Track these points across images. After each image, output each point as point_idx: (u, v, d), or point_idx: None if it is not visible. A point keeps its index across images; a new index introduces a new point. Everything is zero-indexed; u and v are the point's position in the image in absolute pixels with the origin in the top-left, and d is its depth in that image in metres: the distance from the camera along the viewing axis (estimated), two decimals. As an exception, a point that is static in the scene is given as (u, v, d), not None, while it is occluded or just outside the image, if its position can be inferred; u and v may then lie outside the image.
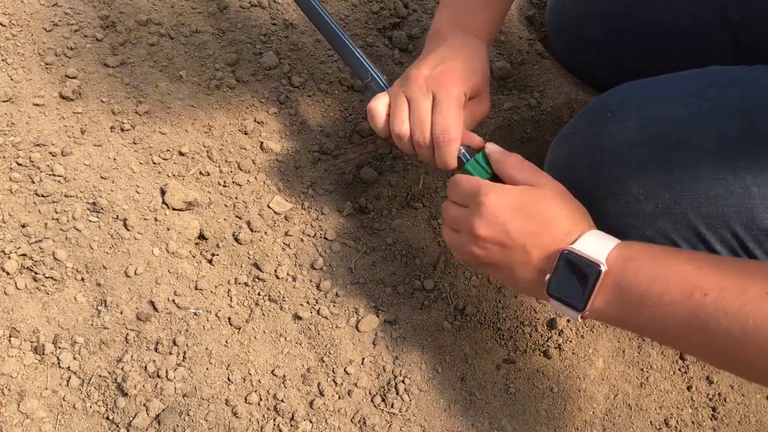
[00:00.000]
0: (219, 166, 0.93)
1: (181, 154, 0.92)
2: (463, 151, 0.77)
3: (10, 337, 0.75)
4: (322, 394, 0.78)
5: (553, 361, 0.86)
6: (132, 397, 0.74)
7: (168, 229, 0.85)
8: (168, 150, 0.92)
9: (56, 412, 0.73)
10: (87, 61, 0.98)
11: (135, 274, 0.82)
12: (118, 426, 0.73)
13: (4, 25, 0.97)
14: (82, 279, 0.80)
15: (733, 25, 0.94)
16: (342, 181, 0.96)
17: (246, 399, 0.77)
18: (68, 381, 0.75)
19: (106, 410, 0.74)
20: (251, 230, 0.88)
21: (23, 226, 0.82)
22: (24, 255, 0.80)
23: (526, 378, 0.84)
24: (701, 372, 0.87)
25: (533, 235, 0.67)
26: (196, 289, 0.82)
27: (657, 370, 0.86)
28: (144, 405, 0.74)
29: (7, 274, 0.78)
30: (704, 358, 0.63)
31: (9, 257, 0.79)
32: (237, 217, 0.89)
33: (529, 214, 0.68)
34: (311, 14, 0.93)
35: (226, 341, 0.80)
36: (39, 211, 0.84)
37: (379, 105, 0.79)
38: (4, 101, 0.91)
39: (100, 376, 0.75)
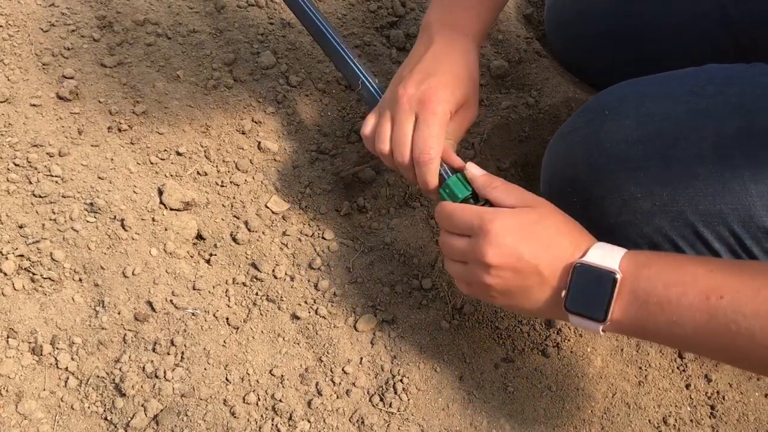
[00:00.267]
0: (216, 166, 0.93)
1: (179, 154, 0.92)
2: (445, 168, 0.77)
3: (7, 338, 0.75)
4: (320, 393, 0.78)
5: (552, 360, 0.86)
6: (130, 397, 0.74)
7: (166, 230, 0.85)
8: (165, 150, 0.92)
9: (54, 413, 0.73)
10: (84, 61, 0.98)
11: (133, 274, 0.82)
12: (116, 426, 0.73)
13: (0, 26, 0.97)
14: (80, 279, 0.80)
15: (733, 25, 0.94)
16: (340, 180, 0.95)
17: (244, 399, 0.77)
18: (66, 381, 0.75)
19: (104, 411, 0.74)
20: (249, 230, 0.88)
21: (21, 227, 0.82)
22: (21, 256, 0.80)
23: (524, 377, 0.84)
24: (700, 370, 0.87)
25: (544, 254, 0.66)
26: (193, 289, 0.82)
27: (655, 369, 0.86)
28: (142, 405, 0.74)
29: (5, 274, 0.78)
30: (727, 359, 0.63)
31: (6, 258, 0.79)
32: (235, 217, 0.89)
33: (536, 234, 0.67)
34: (303, 18, 0.93)
35: (224, 341, 0.80)
36: (36, 212, 0.83)
37: (368, 128, 0.81)
38: (1, 102, 0.90)
39: (98, 376, 0.75)
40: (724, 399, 0.85)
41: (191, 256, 0.86)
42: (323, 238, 0.89)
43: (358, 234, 0.90)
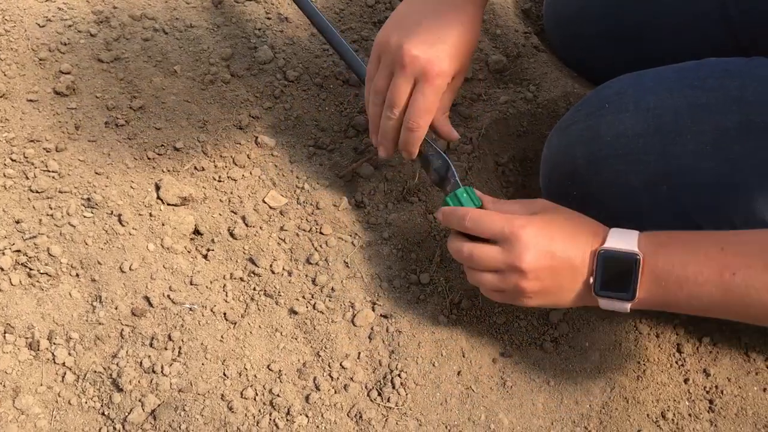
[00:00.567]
0: (214, 161, 0.92)
1: (176, 149, 0.92)
2: (430, 143, 0.81)
3: (4, 333, 0.75)
4: (318, 388, 0.78)
5: (550, 355, 0.86)
6: (127, 392, 0.74)
7: (163, 225, 0.85)
8: (162, 145, 0.92)
9: (51, 408, 0.73)
10: (81, 56, 0.97)
11: (130, 269, 0.81)
12: (113, 421, 0.73)
13: (-3, 21, 0.97)
14: (77, 275, 0.80)
15: (733, 24, 0.93)
16: (340, 180, 0.95)
17: (242, 394, 0.77)
18: (63, 377, 0.74)
19: (102, 406, 0.74)
20: (246, 225, 0.88)
21: (17, 222, 0.81)
22: (18, 251, 0.80)
23: (522, 371, 0.84)
24: (698, 365, 0.87)
25: (572, 248, 0.70)
26: (191, 284, 0.82)
27: (654, 363, 0.86)
28: (139, 400, 0.74)
29: (2, 270, 0.78)
30: (743, 321, 0.69)
31: (3, 253, 0.79)
32: (232, 212, 0.89)
33: (560, 231, 0.71)
34: (310, 14, 0.94)
35: (222, 336, 0.80)
36: (33, 207, 0.83)
37: (369, 73, 0.82)
38: (-2, 97, 0.90)
39: (96, 371, 0.75)
40: (722, 393, 0.85)
41: (188, 252, 0.85)
42: (321, 233, 0.89)
43: (356, 229, 0.90)
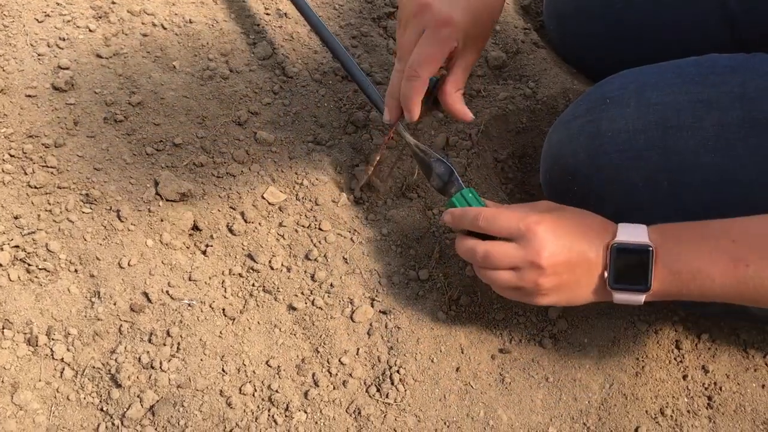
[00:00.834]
0: (213, 157, 0.92)
1: (175, 145, 0.92)
2: (427, 152, 0.82)
3: (3, 329, 0.75)
4: (316, 384, 0.78)
5: (548, 351, 0.86)
6: (126, 388, 0.74)
7: (162, 221, 0.85)
8: (161, 141, 0.92)
9: (50, 404, 0.73)
10: (80, 51, 0.97)
11: (128, 265, 0.81)
12: (112, 417, 0.73)
13: (-5, 16, 0.97)
14: (76, 270, 0.80)
15: (734, 21, 0.93)
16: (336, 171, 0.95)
17: (240, 390, 0.77)
18: (62, 372, 0.74)
19: (100, 401, 0.74)
20: (245, 221, 0.87)
21: (16, 218, 0.81)
22: (17, 247, 0.80)
23: (521, 368, 0.84)
24: (697, 361, 0.87)
25: (586, 242, 0.70)
26: (190, 280, 0.82)
27: (652, 360, 0.86)
28: (138, 396, 0.74)
29: (0, 265, 0.78)
30: (758, 306, 0.70)
31: (2, 249, 0.79)
32: (231, 208, 0.89)
33: (572, 227, 0.71)
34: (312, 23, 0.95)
35: (221, 332, 0.79)
36: (32, 203, 0.83)
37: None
38: (-4, 92, 0.90)
39: (94, 367, 0.75)
40: (721, 390, 0.85)
41: (187, 247, 0.85)
42: (320, 229, 0.89)
43: (355, 225, 0.90)
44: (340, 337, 0.82)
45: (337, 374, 0.79)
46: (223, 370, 0.77)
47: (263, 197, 0.90)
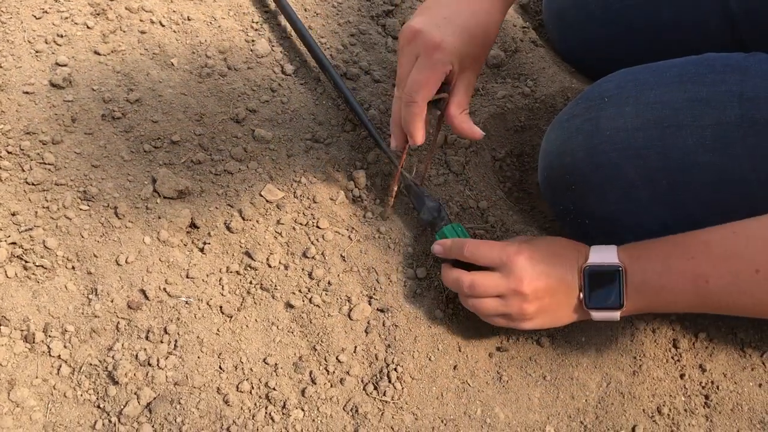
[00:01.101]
0: (210, 155, 0.92)
1: (173, 142, 0.92)
2: (417, 187, 0.86)
3: None
4: (314, 382, 0.78)
5: (546, 349, 0.86)
6: (123, 385, 0.74)
7: (159, 218, 0.85)
8: (159, 138, 0.92)
9: (47, 401, 0.73)
10: (77, 48, 0.97)
11: (126, 262, 0.81)
12: (109, 414, 0.73)
13: (-7, 13, 0.97)
14: (73, 267, 0.80)
15: (734, 21, 0.93)
16: (334, 169, 0.95)
17: (237, 387, 0.76)
18: (59, 369, 0.74)
19: (97, 399, 0.74)
20: (243, 219, 0.87)
21: (13, 215, 0.81)
22: (14, 243, 0.79)
23: (518, 366, 0.84)
24: (694, 360, 0.87)
25: (562, 267, 0.75)
26: (187, 277, 0.82)
27: (650, 358, 0.86)
28: (135, 393, 0.74)
29: (-3, 262, 0.78)
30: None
31: (-1, 246, 0.79)
32: (229, 205, 0.89)
33: (549, 253, 0.75)
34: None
35: (218, 330, 0.79)
36: (29, 200, 0.83)
37: None
38: (-6, 89, 0.90)
39: (91, 364, 0.75)
40: (718, 389, 0.85)
41: (185, 245, 0.85)
42: (318, 227, 0.89)
43: (353, 223, 0.90)
44: (337, 334, 0.81)
45: (334, 372, 0.79)
46: (220, 368, 0.77)
47: (261, 195, 0.90)
